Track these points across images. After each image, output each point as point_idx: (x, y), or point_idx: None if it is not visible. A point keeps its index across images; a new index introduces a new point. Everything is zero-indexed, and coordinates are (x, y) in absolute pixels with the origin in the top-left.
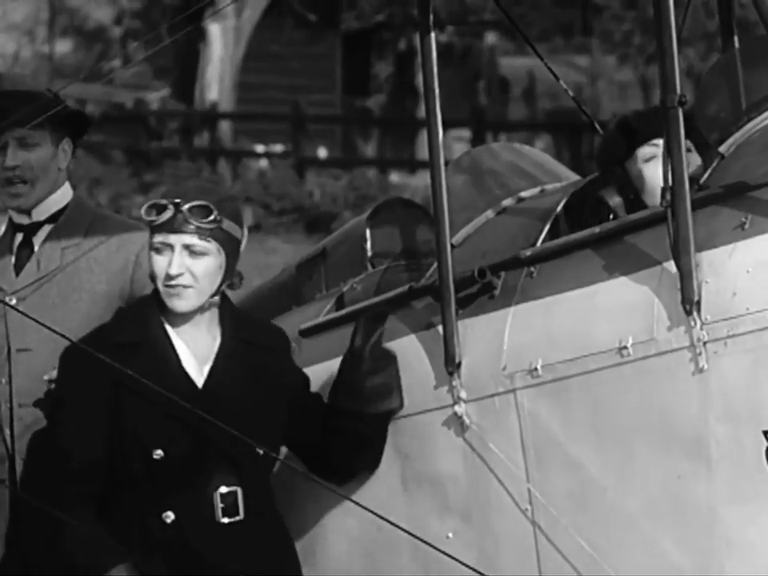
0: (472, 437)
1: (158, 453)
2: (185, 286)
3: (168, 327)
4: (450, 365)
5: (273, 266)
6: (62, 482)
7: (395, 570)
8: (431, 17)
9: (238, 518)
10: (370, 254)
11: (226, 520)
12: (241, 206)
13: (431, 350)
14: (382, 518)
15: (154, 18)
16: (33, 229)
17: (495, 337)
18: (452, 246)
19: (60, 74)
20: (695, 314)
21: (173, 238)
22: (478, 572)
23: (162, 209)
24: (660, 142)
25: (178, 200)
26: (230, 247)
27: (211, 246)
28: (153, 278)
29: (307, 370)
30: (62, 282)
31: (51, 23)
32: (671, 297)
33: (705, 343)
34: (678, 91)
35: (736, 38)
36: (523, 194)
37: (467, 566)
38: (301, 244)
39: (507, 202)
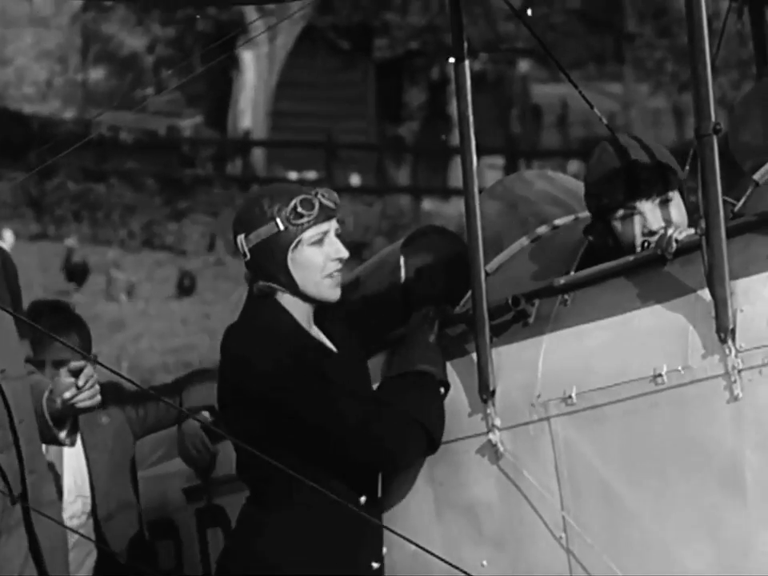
0: (506, 464)
1: None
2: (339, 270)
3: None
4: (485, 392)
5: None
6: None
7: None
8: (464, 44)
9: (381, 493)
10: (403, 281)
11: (380, 495)
12: None
13: (465, 378)
14: (416, 544)
15: (186, 46)
16: None
17: (529, 364)
18: (486, 273)
19: (93, 101)
20: (730, 341)
21: (325, 226)
22: None
23: (312, 202)
24: (635, 204)
25: (314, 191)
26: None
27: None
28: (309, 274)
29: None
30: None
31: (84, 51)
32: (706, 325)
33: (740, 371)
34: (713, 119)
35: None
36: (557, 221)
37: None
38: None
39: (541, 230)
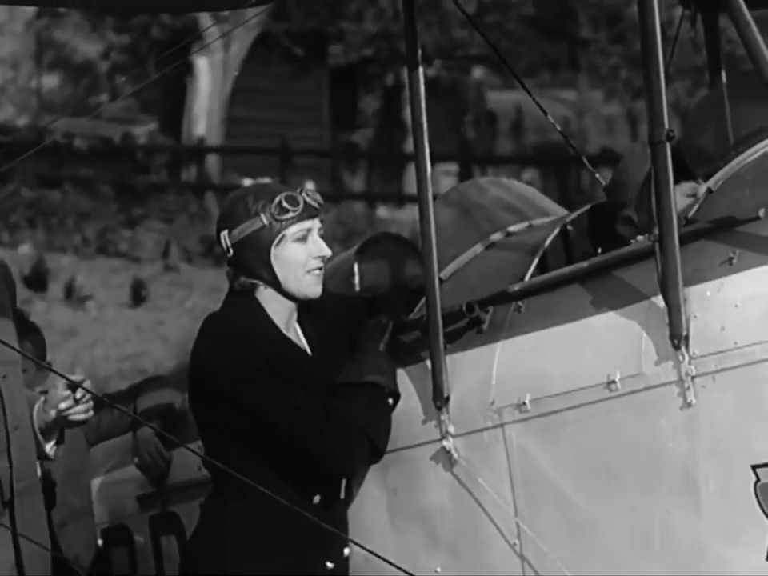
0: (460, 471)
1: None
2: (321, 268)
3: (276, 323)
4: (439, 399)
5: None
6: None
7: None
8: (418, 51)
9: (347, 494)
10: (358, 288)
11: (343, 495)
12: None
13: (420, 385)
14: (369, 551)
15: (141, 53)
16: None
17: (483, 371)
18: (440, 280)
19: (47, 108)
20: (683, 348)
21: (309, 224)
22: None
23: (296, 199)
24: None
25: (299, 188)
26: None
27: None
28: (291, 270)
29: None
30: None
31: (38, 57)
32: (659, 331)
33: (693, 377)
34: (666, 126)
35: (723, 73)
36: (511, 228)
37: None
38: None
39: (496, 237)
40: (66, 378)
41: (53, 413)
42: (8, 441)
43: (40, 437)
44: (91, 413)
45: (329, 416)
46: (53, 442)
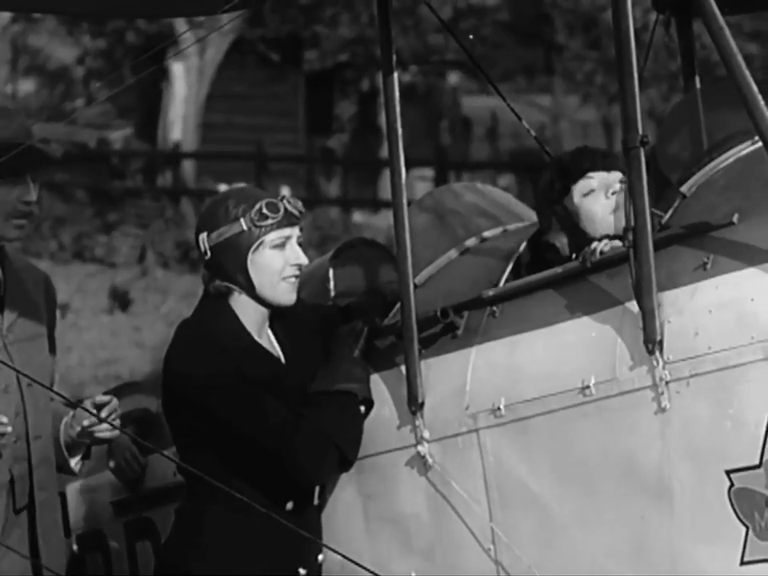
0: (435, 476)
1: None
2: (297, 276)
3: (248, 329)
4: (413, 404)
5: None
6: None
7: None
8: (394, 56)
9: (320, 500)
10: (333, 293)
11: (317, 502)
12: None
13: (394, 390)
14: (344, 556)
15: (117, 58)
16: None
17: (458, 376)
18: (415, 285)
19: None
20: (657, 353)
21: (288, 231)
22: None
23: (277, 206)
24: (594, 175)
25: (281, 196)
26: None
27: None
28: (267, 276)
29: None
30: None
31: (13, 63)
32: (633, 336)
33: (667, 383)
34: (640, 131)
35: (698, 79)
36: (486, 233)
37: None
38: None
39: (470, 242)
40: (40, 384)
41: (78, 428)
42: (28, 450)
43: (65, 451)
44: (117, 432)
45: (298, 426)
46: (78, 458)
